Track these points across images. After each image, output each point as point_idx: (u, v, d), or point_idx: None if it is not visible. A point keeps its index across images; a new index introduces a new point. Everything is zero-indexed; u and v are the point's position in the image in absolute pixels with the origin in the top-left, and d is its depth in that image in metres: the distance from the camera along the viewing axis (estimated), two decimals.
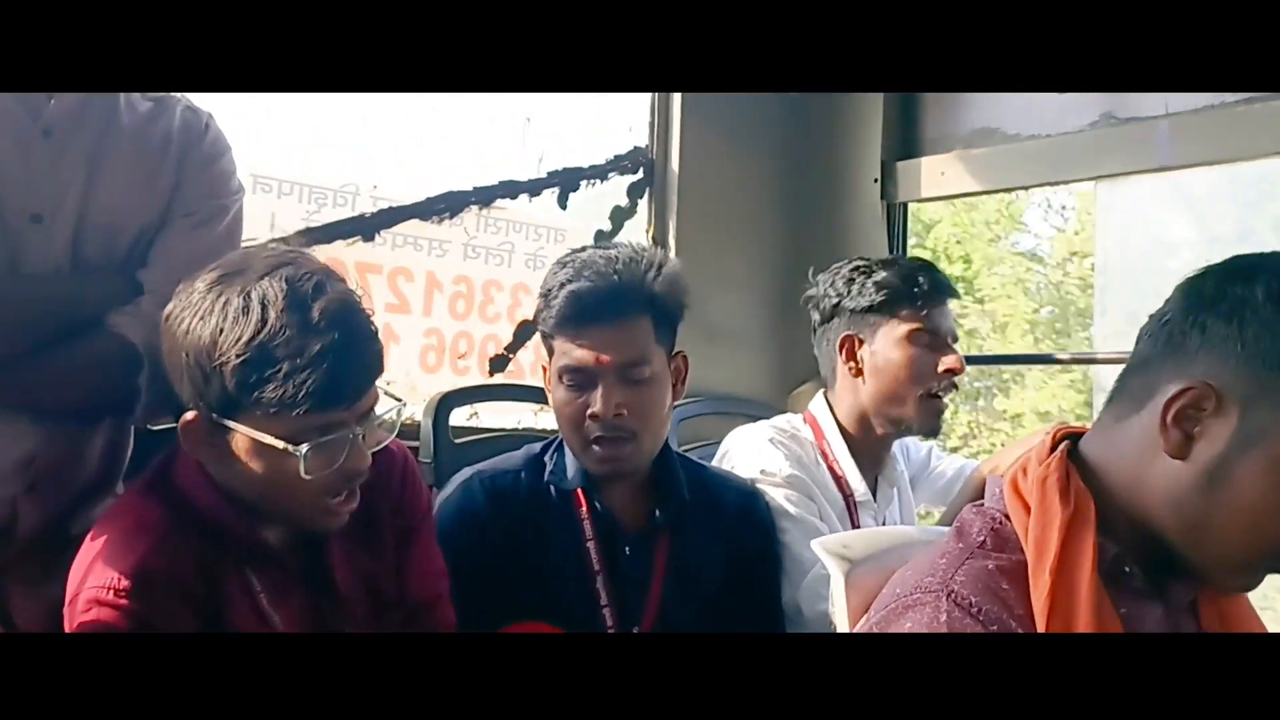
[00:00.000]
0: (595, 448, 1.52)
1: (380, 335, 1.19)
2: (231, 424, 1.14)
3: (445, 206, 2.19)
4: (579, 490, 1.57)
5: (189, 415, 1.15)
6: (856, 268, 1.84)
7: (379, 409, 1.21)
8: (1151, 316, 0.96)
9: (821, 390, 1.89)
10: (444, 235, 2.23)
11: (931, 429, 1.81)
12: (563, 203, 2.35)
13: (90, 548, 1.19)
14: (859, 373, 1.79)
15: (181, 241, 1.38)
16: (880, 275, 1.80)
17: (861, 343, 1.79)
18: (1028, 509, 0.94)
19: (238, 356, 1.09)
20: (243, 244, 1.45)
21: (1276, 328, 0.87)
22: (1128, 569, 0.94)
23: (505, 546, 1.53)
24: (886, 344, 1.78)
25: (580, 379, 1.51)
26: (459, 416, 2.03)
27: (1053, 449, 0.98)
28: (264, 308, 1.10)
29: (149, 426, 1.40)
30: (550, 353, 1.57)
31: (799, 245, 2.51)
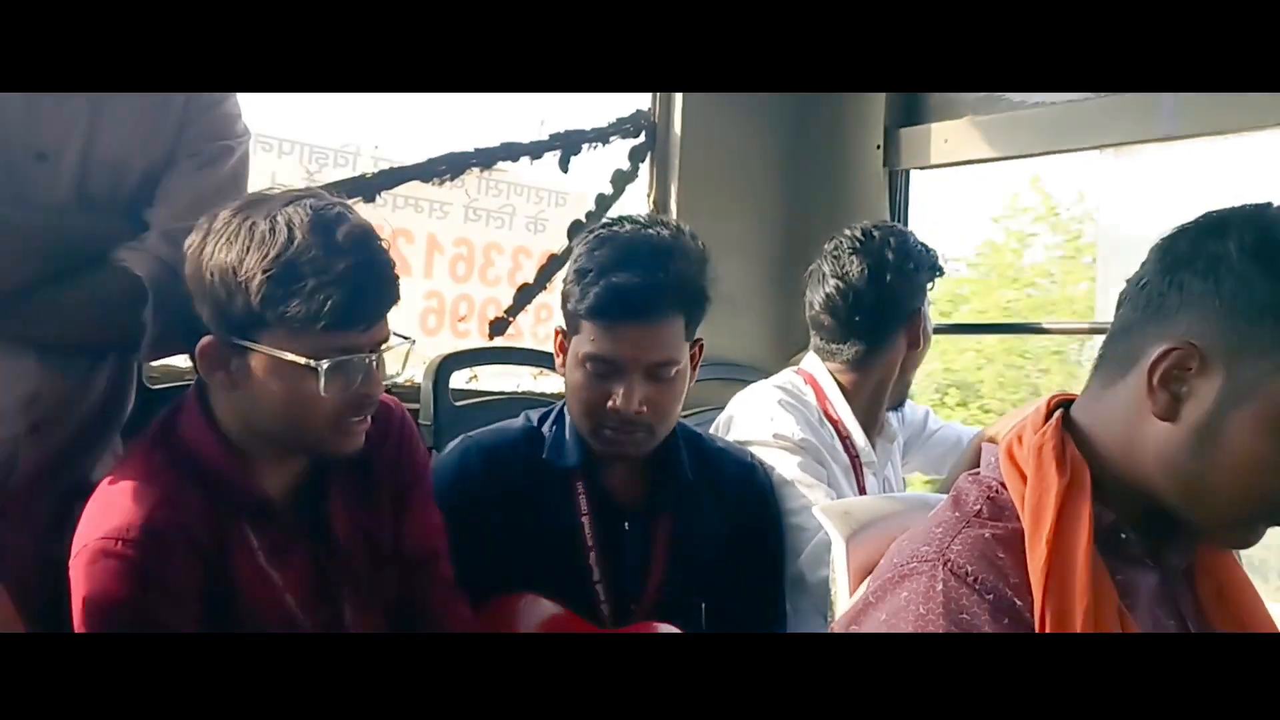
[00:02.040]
0: (607, 433, 1.50)
1: (401, 244, 1.22)
2: (251, 345, 1.17)
3: (446, 168, 2.17)
4: (577, 467, 1.55)
5: (206, 339, 1.19)
6: (909, 239, 1.86)
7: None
8: (1130, 280, 0.96)
9: (814, 350, 1.89)
10: (445, 197, 2.22)
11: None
12: (564, 166, 2.33)
13: (97, 501, 1.21)
14: (917, 342, 1.84)
15: (187, 181, 1.37)
16: (926, 245, 1.87)
17: (920, 314, 1.84)
18: (1024, 477, 0.94)
19: (264, 272, 1.13)
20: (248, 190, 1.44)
21: (1253, 280, 0.87)
22: (1124, 536, 0.95)
23: (499, 518, 1.52)
24: (927, 312, 1.87)
25: (605, 370, 1.48)
26: (459, 379, 2.04)
27: (1048, 417, 0.98)
28: (290, 229, 1.15)
29: (151, 362, 1.44)
30: (574, 330, 1.52)
31: (800, 211, 2.51)
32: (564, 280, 1.55)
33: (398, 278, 1.23)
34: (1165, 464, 0.91)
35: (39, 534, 1.30)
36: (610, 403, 1.47)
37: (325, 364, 1.16)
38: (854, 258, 1.82)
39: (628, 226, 1.52)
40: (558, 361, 1.58)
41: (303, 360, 1.16)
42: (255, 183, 1.48)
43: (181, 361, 1.84)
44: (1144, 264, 0.95)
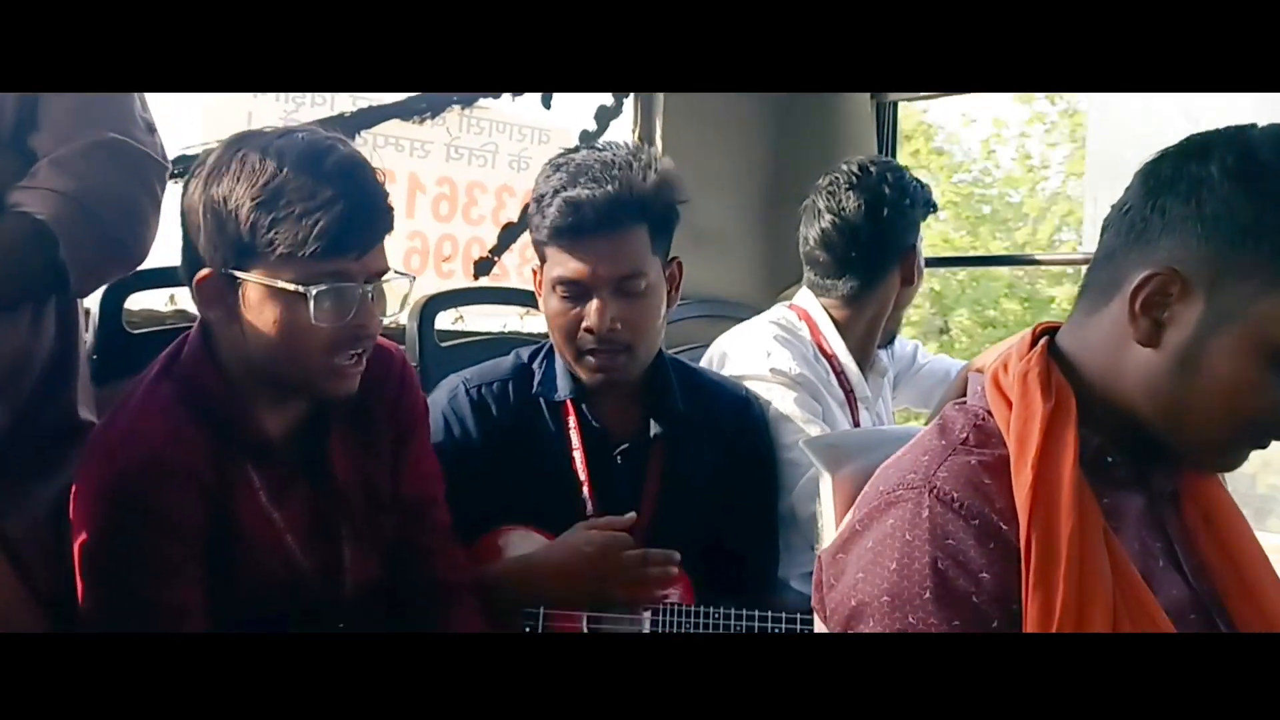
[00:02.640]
0: (589, 358, 1.50)
1: (385, 184, 1.23)
2: (244, 275, 1.18)
3: (427, 106, 2.13)
4: (568, 400, 1.56)
5: (203, 272, 1.19)
6: (902, 174, 1.85)
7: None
8: (1114, 206, 0.95)
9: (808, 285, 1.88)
10: (426, 136, 2.18)
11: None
12: (546, 102, 2.29)
13: (101, 436, 1.23)
14: (912, 277, 1.85)
15: (70, 98, 1.30)
16: (919, 181, 1.86)
17: (915, 249, 1.84)
18: (1009, 404, 0.94)
19: (253, 200, 1.15)
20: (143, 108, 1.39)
21: (1235, 203, 0.86)
22: (1110, 460, 0.94)
23: (491, 453, 1.53)
24: (920, 247, 1.86)
25: (575, 290, 1.48)
26: (444, 320, 2.02)
27: (1033, 345, 0.98)
28: (280, 158, 1.16)
29: (89, 293, 1.41)
30: (542, 259, 1.53)
31: (787, 145, 2.47)
32: (528, 215, 1.55)
33: (391, 208, 1.23)
34: (1148, 390, 0.91)
35: (26, 488, 1.29)
36: (585, 323, 1.48)
37: (315, 290, 1.16)
38: (850, 193, 1.81)
39: (581, 151, 1.52)
40: (539, 300, 1.58)
41: (293, 287, 1.16)
42: (232, 125, 1.45)
43: (162, 305, 1.83)
44: (1128, 189, 0.94)
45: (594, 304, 1.47)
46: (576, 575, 1.44)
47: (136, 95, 1.38)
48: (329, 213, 1.15)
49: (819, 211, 1.84)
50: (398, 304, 1.31)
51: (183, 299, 1.82)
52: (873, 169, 1.83)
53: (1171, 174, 0.90)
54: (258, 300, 1.19)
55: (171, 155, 1.42)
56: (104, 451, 1.20)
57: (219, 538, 1.22)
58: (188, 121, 1.50)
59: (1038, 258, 2.69)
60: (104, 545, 1.17)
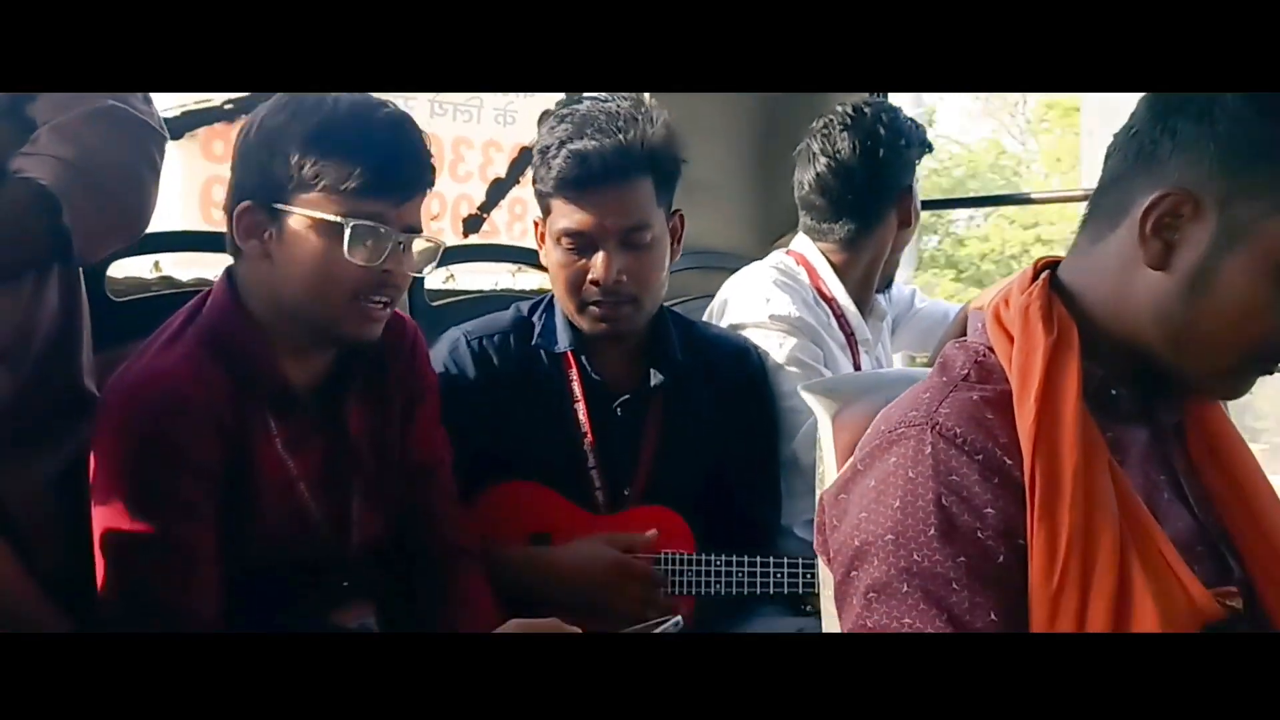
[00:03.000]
0: (593, 308, 1.49)
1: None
2: (287, 207, 1.21)
3: None
4: (569, 352, 1.55)
5: (244, 204, 1.24)
6: (896, 115, 1.83)
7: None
8: (1119, 131, 0.94)
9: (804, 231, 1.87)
10: (408, 92, 2.14)
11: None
12: None
13: (118, 380, 1.24)
14: (909, 218, 1.83)
15: None
16: (913, 121, 1.85)
17: (911, 188, 1.83)
18: (1011, 339, 0.92)
19: (304, 137, 1.20)
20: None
21: (1249, 120, 0.85)
22: (1114, 392, 0.93)
23: (492, 406, 1.53)
24: (915, 187, 1.86)
25: (581, 242, 1.48)
26: (434, 279, 2.00)
27: (1034, 279, 0.96)
28: (336, 102, 1.22)
29: (94, 262, 1.42)
30: (546, 211, 1.52)
31: (778, 95, 2.43)
32: (531, 166, 1.54)
33: (434, 168, 1.28)
34: (1157, 314, 0.90)
35: (29, 456, 1.28)
36: (590, 276, 1.47)
37: (352, 223, 1.20)
38: (845, 134, 1.80)
39: (585, 102, 1.51)
40: (541, 253, 1.56)
41: (331, 217, 1.20)
42: None
43: (146, 272, 1.81)
44: (1133, 114, 0.93)
45: (600, 256, 1.46)
46: (586, 586, 1.45)
47: None
48: (375, 153, 1.20)
49: (814, 155, 1.82)
50: (427, 265, 1.33)
51: (168, 265, 1.79)
52: (867, 110, 1.81)
53: (1181, 96, 0.88)
54: (295, 232, 1.22)
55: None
56: (124, 390, 1.22)
57: (234, 480, 1.24)
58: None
59: (1034, 196, 2.65)
60: (120, 479, 1.18)
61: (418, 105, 2.13)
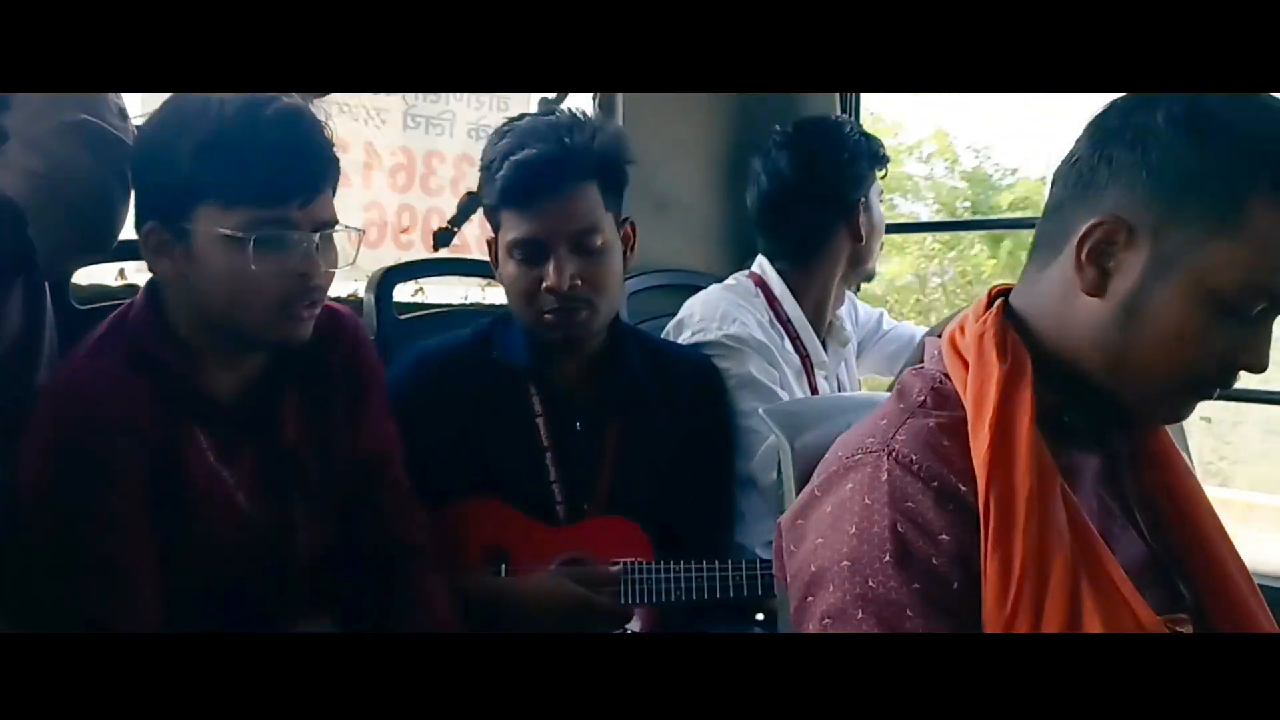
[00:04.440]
0: (549, 317, 1.49)
1: (337, 150, 1.23)
2: (187, 224, 1.18)
3: None
4: (528, 367, 1.55)
5: (148, 225, 1.20)
6: (847, 131, 1.84)
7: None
8: (1063, 159, 0.95)
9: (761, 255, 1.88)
10: (381, 104, 2.14)
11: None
12: None
13: (45, 393, 1.22)
14: (861, 234, 1.81)
15: None
16: (866, 136, 1.85)
17: (862, 205, 1.81)
18: (966, 366, 0.93)
19: (193, 150, 1.15)
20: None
21: (1179, 151, 0.86)
22: (1067, 419, 0.94)
23: (454, 424, 1.52)
24: (874, 202, 1.85)
25: (531, 251, 1.47)
26: (403, 292, 1.99)
27: (989, 306, 0.98)
28: (221, 107, 1.16)
29: (60, 276, 1.42)
30: (496, 226, 1.52)
31: (748, 110, 2.45)
32: (479, 183, 1.54)
33: (335, 160, 1.23)
34: (1095, 340, 0.91)
35: None
36: (544, 283, 1.47)
37: (254, 236, 1.16)
38: (784, 153, 1.82)
39: (527, 118, 1.53)
40: (496, 271, 1.57)
41: (230, 232, 1.16)
42: None
43: (111, 280, 1.79)
44: (1077, 141, 0.94)
45: (552, 262, 1.46)
46: (548, 621, 1.44)
47: None
48: (267, 157, 1.15)
49: (757, 174, 1.85)
50: (349, 256, 1.29)
51: (132, 273, 1.78)
52: (808, 126, 1.83)
53: (1118, 124, 0.90)
54: (202, 249, 1.18)
55: None
56: (46, 404, 1.20)
57: (167, 494, 1.21)
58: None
59: (1004, 219, 2.67)
60: (46, 496, 1.16)
61: (391, 119, 2.14)
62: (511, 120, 1.54)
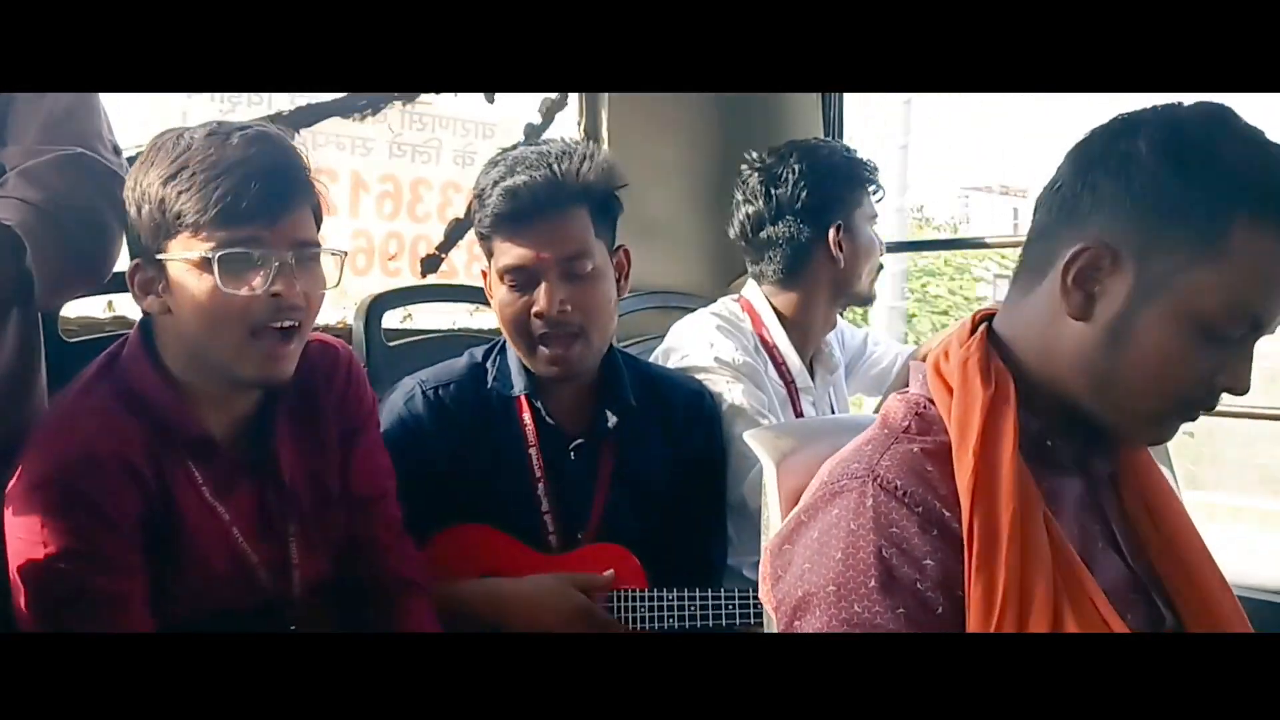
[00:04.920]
0: (543, 348, 1.49)
1: (311, 173, 1.24)
2: (163, 255, 1.19)
3: (367, 103, 2.10)
4: (523, 396, 1.55)
5: (133, 263, 1.21)
6: (829, 153, 1.83)
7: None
8: (1046, 186, 0.96)
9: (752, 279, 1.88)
10: (367, 133, 2.15)
11: (874, 296, 1.92)
12: (490, 96, 2.28)
13: (37, 431, 1.22)
14: (838, 258, 1.80)
15: (30, 109, 1.30)
16: (852, 159, 1.84)
17: (840, 228, 1.80)
18: (950, 391, 0.94)
19: (163, 181, 1.17)
20: (106, 116, 1.40)
21: (1161, 178, 0.88)
22: (1050, 444, 0.96)
23: (449, 455, 1.52)
24: (862, 225, 1.83)
25: (522, 278, 1.48)
26: (392, 319, 2.00)
27: (973, 331, 0.99)
28: (191, 139, 1.18)
29: (57, 307, 1.43)
30: (489, 255, 1.53)
31: (734, 134, 2.47)
32: (469, 209, 1.57)
33: (309, 181, 1.23)
34: (1080, 363, 0.92)
35: None
36: (534, 309, 1.47)
37: (219, 254, 1.16)
38: (756, 177, 1.82)
39: (518, 147, 1.55)
40: (489, 297, 1.57)
41: (198, 255, 1.17)
42: (164, 123, 1.42)
43: (99, 312, 1.80)
44: (1059, 168, 0.95)
45: (542, 288, 1.46)
46: (540, 625, 1.44)
47: (103, 116, 1.38)
48: (229, 177, 1.15)
49: (736, 202, 1.86)
50: (331, 279, 1.28)
51: (121, 305, 1.78)
52: (783, 151, 1.83)
53: (1101, 151, 0.92)
54: (177, 279, 1.19)
55: None
56: (37, 445, 1.19)
57: (161, 532, 1.21)
58: (122, 124, 1.47)
59: (988, 240, 2.69)
60: (34, 536, 1.15)
61: (377, 147, 2.15)
62: (503, 150, 1.55)
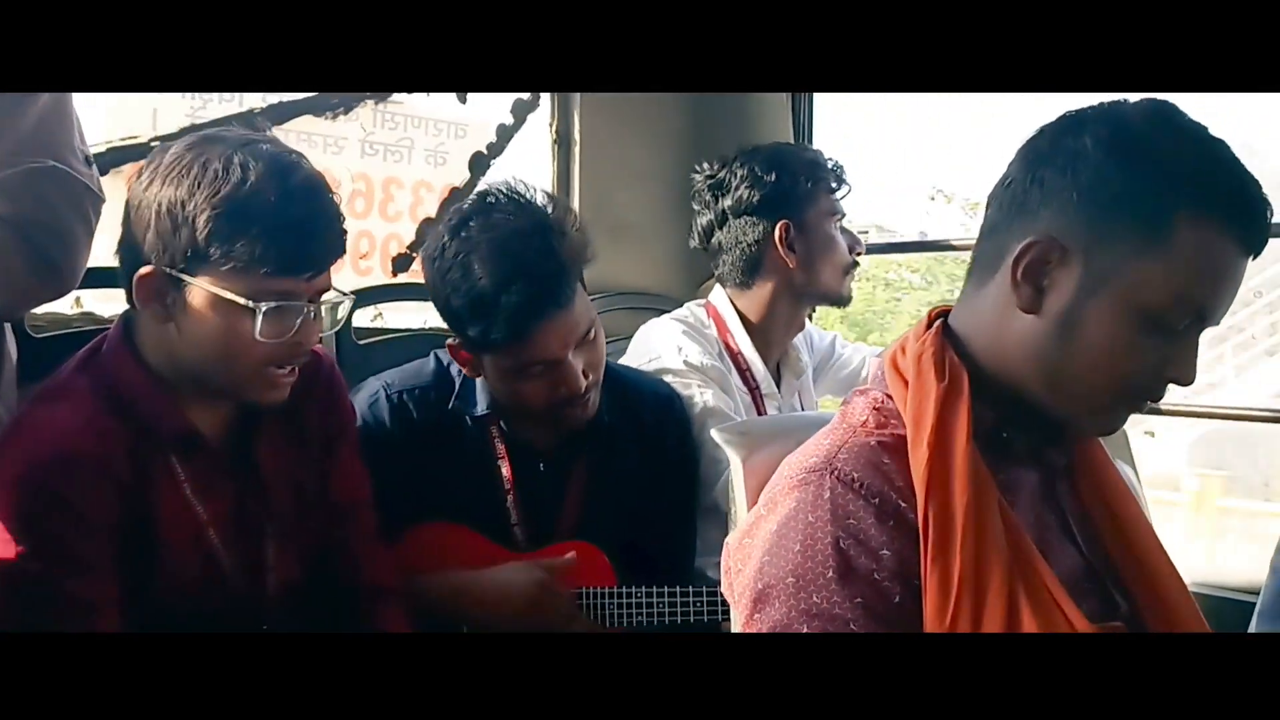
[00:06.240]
0: (563, 415, 1.49)
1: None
2: (192, 279, 1.16)
3: (339, 102, 2.10)
4: (489, 412, 1.54)
5: (145, 270, 1.18)
6: (775, 153, 1.83)
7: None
8: (997, 183, 0.98)
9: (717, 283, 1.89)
10: (339, 131, 2.16)
11: (849, 296, 1.89)
12: (462, 97, 2.29)
13: (13, 428, 1.21)
14: (792, 259, 1.80)
15: (5, 121, 1.29)
16: (804, 157, 1.84)
17: (792, 228, 1.79)
18: (906, 385, 0.96)
19: (213, 209, 1.13)
20: (80, 127, 1.39)
21: (1106, 173, 0.90)
22: (1005, 435, 0.97)
23: (413, 461, 1.51)
24: (819, 223, 1.81)
25: (544, 369, 1.45)
26: (362, 317, 2.00)
27: (929, 326, 1.00)
28: (245, 169, 1.14)
29: (20, 317, 1.41)
30: (484, 350, 1.46)
31: (704, 136, 2.48)
32: (435, 295, 1.47)
33: (345, 230, 1.23)
34: (1031, 355, 0.94)
35: None
36: (560, 390, 1.46)
37: (264, 306, 1.16)
38: (704, 183, 1.84)
39: (473, 224, 1.42)
40: (463, 369, 1.53)
41: (243, 301, 1.16)
42: (134, 123, 1.42)
43: (67, 308, 1.79)
44: (1010, 164, 0.98)
45: (565, 369, 1.44)
46: (507, 612, 1.45)
47: (76, 127, 1.38)
48: (289, 233, 1.16)
49: (695, 211, 1.88)
50: (332, 322, 1.29)
51: (89, 302, 1.78)
52: (728, 158, 1.84)
53: (1049, 148, 0.94)
54: (201, 306, 1.17)
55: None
56: (14, 443, 1.18)
57: (137, 531, 1.21)
58: (90, 119, 1.47)
59: (954, 242, 2.71)
60: (8, 536, 1.14)
61: (349, 146, 2.16)
62: (456, 230, 1.43)
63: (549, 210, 1.45)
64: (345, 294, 1.29)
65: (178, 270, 1.17)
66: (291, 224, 1.16)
